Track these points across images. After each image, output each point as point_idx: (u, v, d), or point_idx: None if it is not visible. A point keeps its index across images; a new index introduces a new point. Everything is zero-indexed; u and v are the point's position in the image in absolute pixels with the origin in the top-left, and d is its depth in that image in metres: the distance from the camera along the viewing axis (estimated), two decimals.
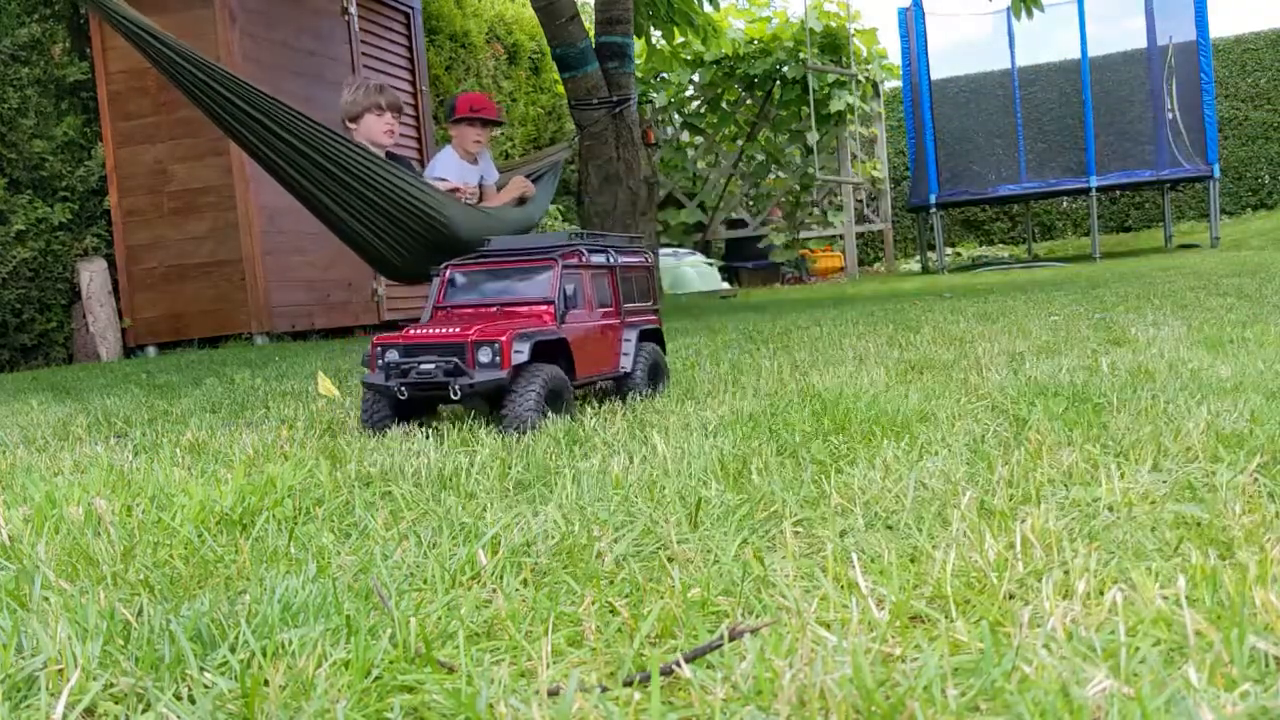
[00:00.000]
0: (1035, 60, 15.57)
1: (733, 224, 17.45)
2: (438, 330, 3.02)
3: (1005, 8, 12.47)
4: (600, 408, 3.17)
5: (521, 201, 5.93)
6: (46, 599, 1.66)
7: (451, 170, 5.74)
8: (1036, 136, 15.29)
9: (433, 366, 2.94)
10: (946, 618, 1.37)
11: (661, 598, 1.55)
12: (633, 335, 3.49)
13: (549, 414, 3.04)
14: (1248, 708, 1.11)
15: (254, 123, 4.68)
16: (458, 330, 3.00)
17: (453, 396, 2.95)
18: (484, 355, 2.96)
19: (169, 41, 4.57)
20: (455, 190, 5.46)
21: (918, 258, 18.04)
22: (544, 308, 3.20)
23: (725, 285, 15.65)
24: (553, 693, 1.25)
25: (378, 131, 5.48)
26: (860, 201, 17.53)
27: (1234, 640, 1.20)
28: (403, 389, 2.99)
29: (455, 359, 2.95)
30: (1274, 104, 17.96)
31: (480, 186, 5.89)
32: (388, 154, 5.32)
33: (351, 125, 5.33)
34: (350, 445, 2.96)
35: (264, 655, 1.36)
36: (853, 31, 15.94)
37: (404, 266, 5.40)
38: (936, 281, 12.12)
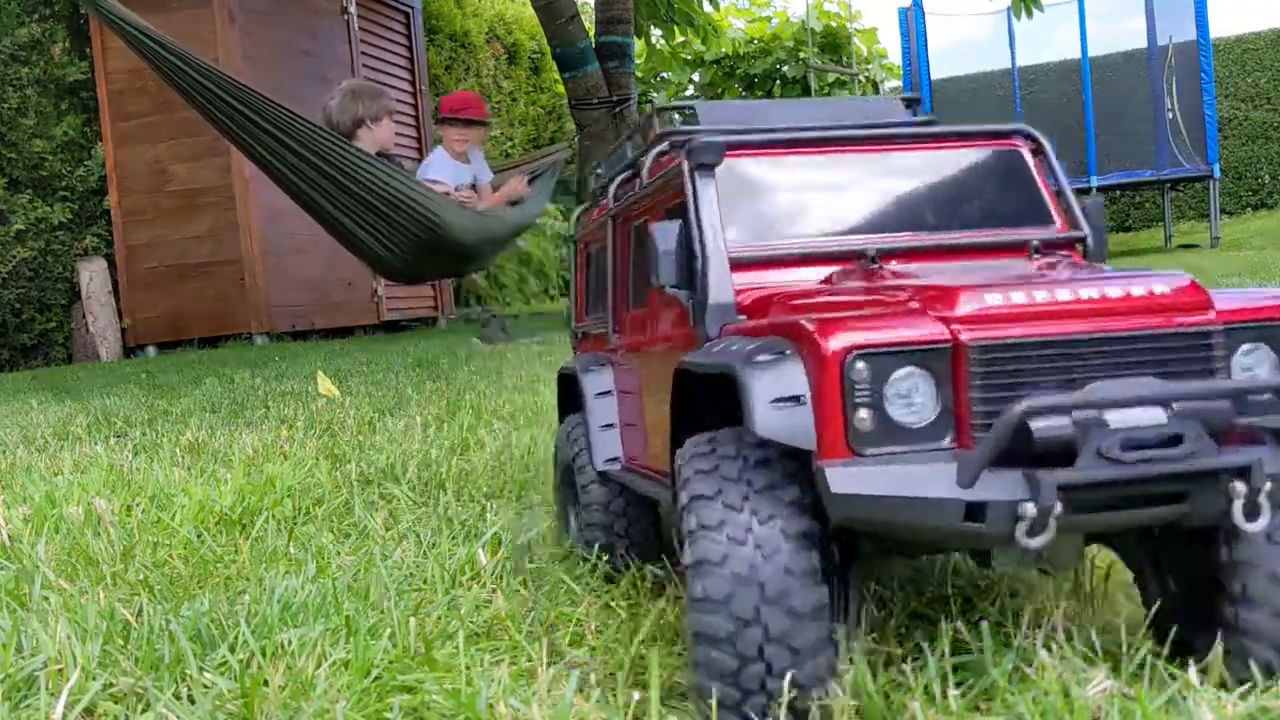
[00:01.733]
0: (1035, 60, 15.55)
1: None
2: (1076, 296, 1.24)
3: (1005, 8, 12.48)
4: None
5: (515, 202, 5.92)
6: (46, 599, 1.66)
7: (445, 171, 5.73)
8: None
9: (1160, 416, 1.15)
10: (946, 618, 1.37)
11: (661, 598, 1.55)
12: None
13: None
14: (1247, 708, 1.11)
15: (249, 123, 4.68)
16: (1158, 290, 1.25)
17: (1245, 519, 1.14)
18: (1255, 361, 1.28)
19: (165, 42, 4.58)
20: (447, 192, 5.45)
21: None
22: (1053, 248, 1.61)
23: None
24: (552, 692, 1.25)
25: (390, 135, 5.48)
26: None
27: None
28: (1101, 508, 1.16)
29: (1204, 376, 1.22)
30: (1274, 104, 17.95)
31: (474, 186, 5.88)
32: (377, 153, 5.31)
33: (361, 131, 5.30)
34: (350, 445, 2.96)
35: (263, 655, 1.36)
36: (853, 31, 15.94)
37: (400, 266, 5.40)
38: None
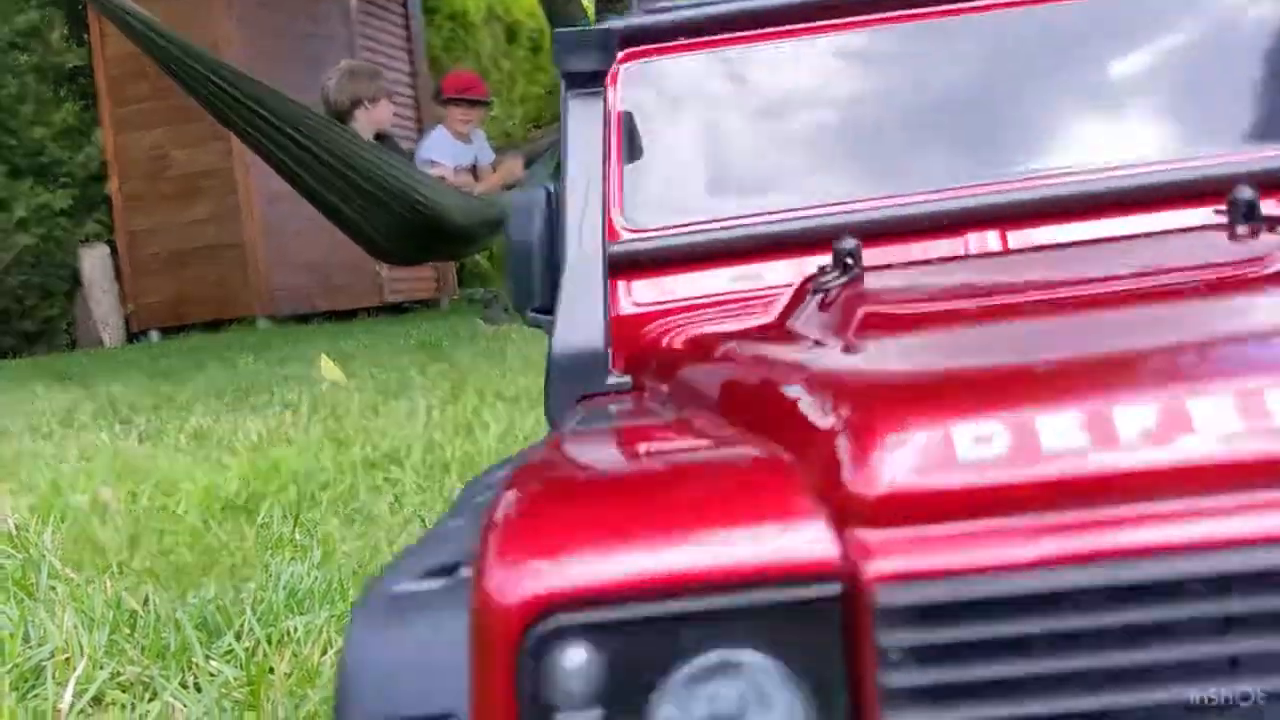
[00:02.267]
0: None
1: None
2: None
3: None
4: None
5: (510, 186, 5.91)
6: (54, 588, 1.66)
7: (445, 151, 5.72)
8: None
9: None
10: None
11: None
12: None
13: None
14: None
15: (246, 109, 4.68)
16: None
17: None
18: None
19: (161, 29, 4.57)
20: (443, 176, 5.45)
21: None
22: None
23: None
24: None
25: (388, 115, 5.48)
26: None
27: None
28: None
29: None
30: None
31: (475, 167, 5.87)
32: (376, 134, 5.30)
33: (359, 111, 5.30)
34: (354, 428, 2.97)
35: (269, 643, 1.36)
36: None
37: (394, 249, 5.41)
38: None
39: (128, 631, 1.44)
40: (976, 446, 0.47)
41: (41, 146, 8.20)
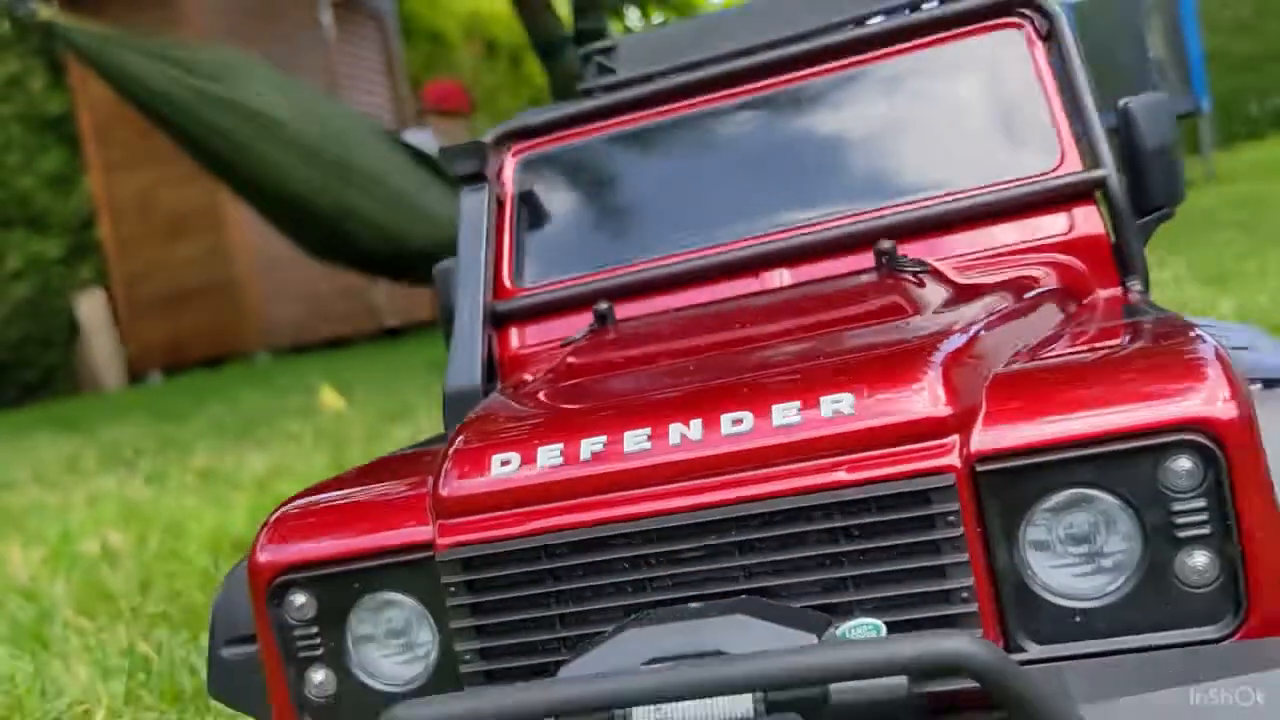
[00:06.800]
0: None
1: None
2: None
3: None
4: None
5: None
6: (67, 639, 1.66)
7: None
8: None
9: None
10: None
11: None
12: None
13: None
14: None
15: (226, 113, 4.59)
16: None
17: None
18: None
19: (139, 54, 4.48)
20: None
21: None
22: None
23: None
24: None
25: None
26: None
27: None
28: None
29: None
30: (1258, 34, 17.87)
31: None
32: None
33: None
34: (358, 456, 2.96)
35: None
36: None
37: (388, 260, 5.36)
38: None
39: (143, 678, 1.44)
40: (498, 462, 0.78)
41: (30, 196, 8.21)
